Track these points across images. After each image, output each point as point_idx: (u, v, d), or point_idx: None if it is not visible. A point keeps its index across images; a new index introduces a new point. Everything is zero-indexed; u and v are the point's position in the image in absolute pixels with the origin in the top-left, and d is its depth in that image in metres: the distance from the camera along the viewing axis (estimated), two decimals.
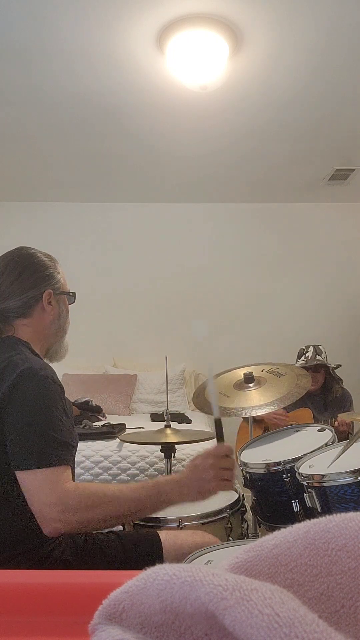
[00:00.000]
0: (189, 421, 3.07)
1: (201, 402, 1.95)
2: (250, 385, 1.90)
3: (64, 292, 1.37)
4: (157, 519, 1.39)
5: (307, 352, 3.05)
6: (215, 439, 1.22)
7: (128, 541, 1.23)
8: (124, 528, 1.44)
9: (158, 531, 1.28)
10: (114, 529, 1.38)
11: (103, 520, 1.09)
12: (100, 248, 4.45)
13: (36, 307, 1.28)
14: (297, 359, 3.05)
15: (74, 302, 1.42)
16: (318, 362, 2.93)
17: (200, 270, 4.47)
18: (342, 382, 3.05)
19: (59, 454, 1.08)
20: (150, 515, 1.35)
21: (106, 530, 1.33)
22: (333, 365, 3.00)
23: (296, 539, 0.40)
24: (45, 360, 1.30)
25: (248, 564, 0.39)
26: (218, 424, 1.22)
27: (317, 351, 3.03)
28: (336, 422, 2.61)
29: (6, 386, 1.09)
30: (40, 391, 1.11)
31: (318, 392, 3.00)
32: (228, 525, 1.43)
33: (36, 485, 1.05)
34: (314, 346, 3.07)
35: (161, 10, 2.19)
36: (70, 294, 1.40)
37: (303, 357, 3.02)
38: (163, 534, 1.25)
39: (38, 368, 1.14)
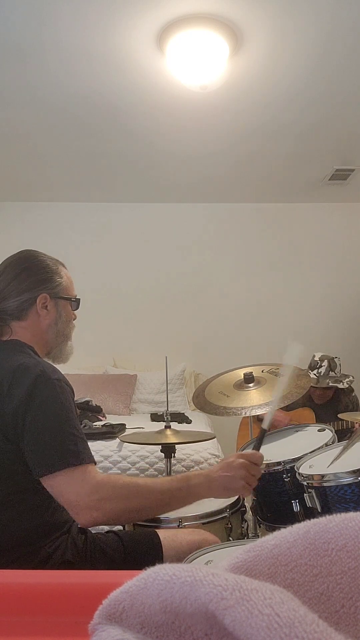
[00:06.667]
0: (189, 421, 3.07)
1: (201, 402, 1.95)
2: (250, 385, 1.90)
3: (63, 297, 1.32)
4: (157, 519, 1.39)
5: (320, 366, 2.71)
6: (254, 446, 1.26)
7: (128, 540, 1.23)
8: (123, 528, 1.43)
9: (157, 530, 1.28)
10: (114, 528, 1.38)
11: (137, 510, 1.11)
12: (100, 248, 4.45)
13: (31, 310, 1.25)
14: (307, 369, 2.79)
15: (78, 308, 1.37)
16: (329, 385, 2.67)
17: (200, 270, 4.47)
18: (353, 392, 2.85)
19: (85, 451, 1.09)
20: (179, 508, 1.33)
21: (106, 530, 1.32)
22: (346, 385, 2.73)
23: (296, 539, 0.40)
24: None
25: (248, 564, 0.39)
26: (262, 434, 1.26)
27: (331, 366, 2.70)
28: (357, 425, 2.49)
29: (23, 392, 1.08)
30: (57, 395, 1.11)
31: (326, 402, 2.86)
32: (228, 525, 1.43)
33: (69, 482, 1.05)
34: (328, 360, 2.73)
35: (161, 10, 2.19)
36: (73, 299, 1.35)
37: (315, 372, 2.72)
38: (162, 533, 1.25)
39: (50, 372, 1.14)
